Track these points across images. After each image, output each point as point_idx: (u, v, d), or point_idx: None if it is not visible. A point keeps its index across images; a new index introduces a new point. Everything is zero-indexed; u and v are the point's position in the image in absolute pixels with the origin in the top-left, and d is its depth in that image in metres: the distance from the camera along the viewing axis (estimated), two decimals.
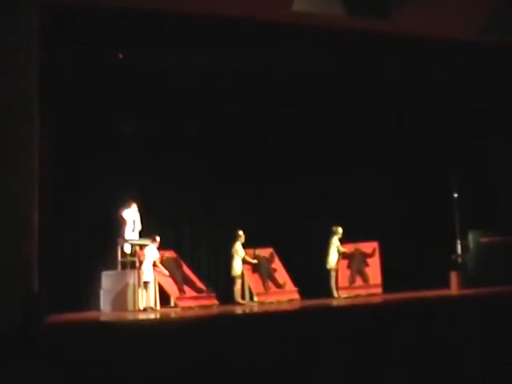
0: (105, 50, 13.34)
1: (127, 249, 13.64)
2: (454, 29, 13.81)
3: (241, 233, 13.93)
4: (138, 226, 13.81)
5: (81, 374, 5.51)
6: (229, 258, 14.01)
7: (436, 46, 14.43)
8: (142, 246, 13.57)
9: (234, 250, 13.88)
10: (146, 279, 12.95)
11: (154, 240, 13.30)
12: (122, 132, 14.53)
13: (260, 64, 14.63)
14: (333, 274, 14.40)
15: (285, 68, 14.85)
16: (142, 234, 13.83)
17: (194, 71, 14.34)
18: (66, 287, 12.82)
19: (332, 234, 14.51)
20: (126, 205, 13.67)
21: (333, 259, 14.42)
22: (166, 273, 13.17)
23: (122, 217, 13.67)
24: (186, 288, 13.20)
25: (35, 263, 9.88)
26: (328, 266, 14.39)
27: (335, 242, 14.46)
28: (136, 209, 13.72)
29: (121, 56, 13.49)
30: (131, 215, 13.71)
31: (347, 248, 14.58)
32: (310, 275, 14.00)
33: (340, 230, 14.47)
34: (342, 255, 14.50)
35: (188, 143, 15.12)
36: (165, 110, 14.70)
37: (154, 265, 13.16)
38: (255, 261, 14.03)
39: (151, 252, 13.14)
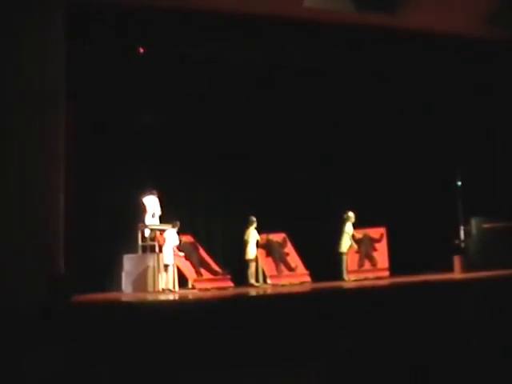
0: (127, 43, 13.35)
1: (147, 233, 13.70)
2: (459, 23, 13.71)
3: (254, 218, 13.94)
4: (158, 212, 13.85)
5: (102, 350, 5.55)
6: (243, 242, 14.03)
7: (443, 40, 14.32)
8: (161, 231, 13.64)
9: (247, 235, 13.90)
10: (166, 262, 12.99)
11: (174, 225, 13.35)
12: (144, 121, 14.58)
13: (272, 57, 14.59)
14: (344, 257, 14.39)
15: (296, 61, 14.80)
16: (161, 220, 13.87)
17: (211, 64, 14.33)
18: (89, 269, 12.90)
19: (345, 219, 14.48)
20: (147, 192, 13.71)
21: (345, 244, 14.40)
22: (181, 254, 13.19)
23: (142, 203, 13.71)
24: (202, 271, 13.24)
25: (61, 246, 9.92)
26: (340, 250, 14.37)
27: (348, 227, 14.44)
28: (156, 195, 13.76)
29: (141, 50, 13.53)
30: (151, 202, 13.75)
31: (356, 233, 14.58)
32: (321, 259, 14.00)
33: (352, 215, 14.45)
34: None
35: (205, 132, 15.14)
36: (183, 101, 14.72)
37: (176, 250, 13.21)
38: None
39: (171, 236, 13.18)
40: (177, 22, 12.67)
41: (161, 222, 13.83)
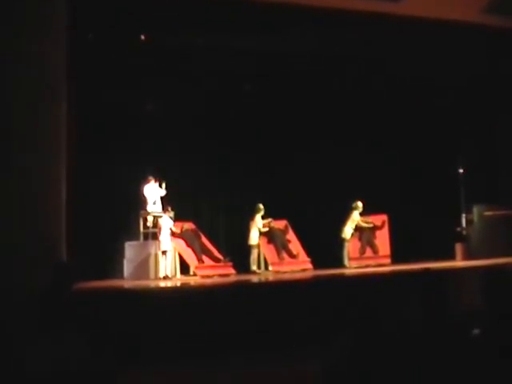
0: (128, 32, 13.31)
1: (149, 220, 13.72)
2: (458, 10, 13.65)
3: (261, 206, 13.96)
4: (159, 200, 13.85)
5: (105, 337, 5.57)
6: (244, 229, 14.05)
7: (443, 27, 14.25)
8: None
9: (253, 221, 13.92)
10: (164, 248, 13.02)
11: (166, 210, 13.43)
12: (145, 110, 14.59)
13: (274, 45, 14.53)
14: (346, 244, 14.40)
15: (298, 49, 14.73)
16: (163, 207, 13.89)
17: (213, 52, 14.28)
18: (91, 257, 12.94)
19: (352, 208, 14.49)
20: (148, 179, 13.70)
21: (348, 231, 14.41)
22: (177, 230, 13.25)
23: (143, 190, 13.72)
24: (204, 258, 13.26)
25: (63, 234, 9.93)
26: (343, 235, 14.38)
27: (355, 216, 14.45)
28: (156, 183, 13.75)
29: (143, 37, 13.50)
30: (152, 189, 13.75)
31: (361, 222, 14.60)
32: (322, 246, 14.05)
33: (360, 204, 14.45)
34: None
35: (208, 120, 15.15)
36: (185, 89, 14.68)
37: (173, 234, 13.24)
38: (266, 228, 14.04)
39: (166, 222, 13.23)
40: (179, 10, 12.60)
41: (163, 209, 13.86)
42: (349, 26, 13.82)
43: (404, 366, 3.84)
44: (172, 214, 13.54)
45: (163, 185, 13.72)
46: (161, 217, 13.57)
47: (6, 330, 6.33)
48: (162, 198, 13.78)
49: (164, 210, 13.52)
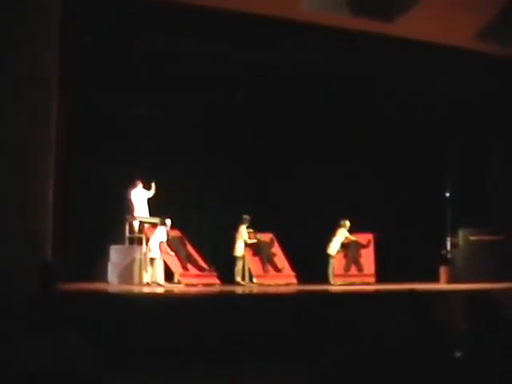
0: (122, 34, 13.31)
1: (136, 225, 13.69)
2: (453, 35, 13.76)
3: (247, 217, 13.97)
4: (146, 205, 13.82)
5: (88, 339, 5.55)
6: (230, 240, 14.05)
7: (435, 51, 14.36)
8: (150, 224, 13.66)
9: (238, 232, 13.93)
10: (153, 256, 12.96)
11: (164, 223, 13.26)
12: (135, 113, 14.59)
13: (270, 57, 14.60)
14: (331, 261, 14.43)
15: (293, 62, 14.80)
16: (150, 213, 13.87)
17: (209, 59, 14.33)
18: (76, 258, 12.88)
19: (339, 226, 14.52)
20: (136, 183, 13.68)
21: (334, 247, 14.44)
22: (172, 253, 13.17)
23: (130, 195, 13.69)
24: (189, 266, 13.22)
25: (49, 234, 9.90)
26: (329, 252, 14.40)
27: (342, 233, 14.49)
28: (142, 188, 13.72)
29: (139, 45, 13.54)
30: (139, 194, 13.73)
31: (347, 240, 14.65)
32: (308, 261, 14.05)
33: (348, 223, 14.50)
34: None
35: (197, 128, 15.15)
36: (177, 95, 14.71)
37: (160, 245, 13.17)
38: (254, 240, 14.04)
39: (160, 233, 13.12)
40: (174, 16, 12.64)
41: (151, 215, 13.84)
42: (342, 44, 13.93)
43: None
44: (169, 227, 13.38)
45: (152, 185, 13.70)
46: (148, 223, 13.56)
47: None
48: (149, 204, 13.77)
49: (162, 221, 13.38)
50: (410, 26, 13.28)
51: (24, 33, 9.69)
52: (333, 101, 15.82)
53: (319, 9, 12.63)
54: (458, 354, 3.78)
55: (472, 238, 15.23)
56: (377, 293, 12.14)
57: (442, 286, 14.26)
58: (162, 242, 13.05)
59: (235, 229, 14.03)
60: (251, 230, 14.07)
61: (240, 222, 13.99)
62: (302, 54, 14.46)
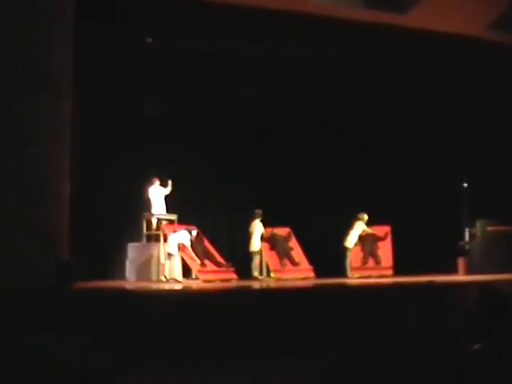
0: (134, 31, 13.32)
1: (154, 223, 13.71)
2: (466, 25, 13.65)
3: (259, 211, 13.94)
4: (163, 202, 13.84)
5: (105, 337, 5.55)
6: (247, 234, 14.04)
7: (448, 41, 14.24)
8: (167, 221, 13.68)
9: (252, 228, 13.91)
10: (171, 252, 12.91)
11: (190, 231, 13.11)
12: (150, 109, 14.60)
13: (279, 52, 14.54)
14: (348, 254, 14.38)
15: (302, 56, 14.75)
16: (167, 210, 13.88)
17: (217, 55, 14.30)
18: (94, 256, 12.95)
19: (357, 218, 14.46)
20: (151, 181, 13.70)
21: (352, 240, 14.38)
22: (198, 261, 13.09)
23: (147, 193, 13.72)
24: (206, 262, 13.21)
25: (66, 232, 9.92)
26: (346, 245, 14.35)
27: (360, 226, 14.43)
28: (159, 185, 13.73)
29: (150, 40, 13.55)
30: (156, 191, 13.75)
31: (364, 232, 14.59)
32: (325, 255, 14.02)
33: (365, 216, 14.44)
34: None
35: (210, 123, 15.18)
36: (190, 92, 14.71)
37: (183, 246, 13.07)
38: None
39: (183, 236, 12.99)
40: (185, 11, 12.62)
41: (168, 212, 13.85)
42: (355, 36, 13.82)
43: (402, 379, 3.82)
44: (195, 232, 13.22)
45: (169, 183, 13.70)
46: (166, 220, 13.59)
47: (7, 327, 6.32)
48: (165, 198, 13.78)
49: (189, 229, 13.21)
50: (423, 17, 13.18)
51: (37, 32, 9.70)
52: (346, 92, 15.75)
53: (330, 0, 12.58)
54: (476, 347, 3.73)
55: (490, 228, 15.14)
56: (395, 285, 12.06)
57: (460, 277, 14.18)
58: (183, 244, 12.96)
59: (250, 223, 13.99)
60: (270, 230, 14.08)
61: (253, 216, 13.94)
62: (313, 48, 14.39)
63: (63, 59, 9.96)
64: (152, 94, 14.54)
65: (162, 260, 12.96)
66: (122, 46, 13.57)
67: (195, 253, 13.13)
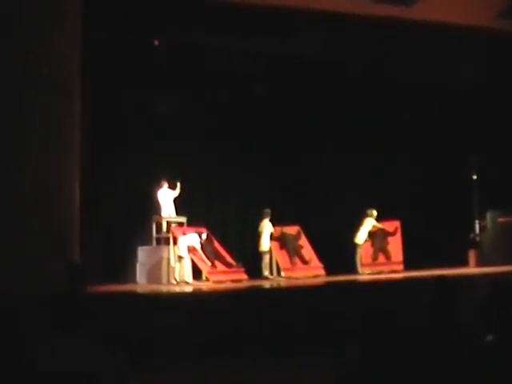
0: (142, 30, 13.34)
1: (164, 225, 13.72)
2: (472, 15, 13.59)
3: (268, 210, 13.93)
4: (172, 204, 13.85)
5: (117, 340, 5.55)
6: (257, 234, 14.03)
7: (456, 32, 14.19)
8: (177, 223, 13.69)
9: (261, 227, 13.90)
10: (181, 254, 12.91)
11: (200, 234, 13.13)
12: (160, 111, 14.60)
13: (286, 47, 14.53)
14: (359, 250, 14.35)
15: (310, 51, 14.74)
16: (176, 212, 13.89)
17: (226, 53, 14.32)
18: (104, 260, 12.97)
19: (366, 215, 14.44)
20: (160, 184, 13.71)
21: (362, 236, 14.36)
22: (209, 264, 13.10)
23: (157, 195, 13.72)
24: (216, 263, 13.20)
25: (77, 235, 9.94)
26: (356, 241, 14.32)
27: (369, 222, 14.40)
28: (168, 187, 13.74)
29: (156, 42, 13.57)
30: (165, 194, 13.75)
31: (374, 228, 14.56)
32: (335, 251, 13.99)
33: (375, 212, 14.40)
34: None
35: (219, 123, 15.13)
36: (198, 90, 14.71)
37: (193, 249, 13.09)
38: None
39: (193, 238, 13.00)
40: (192, 11, 12.62)
41: (177, 214, 13.86)
42: (361, 30, 13.80)
43: (416, 373, 3.81)
44: (204, 235, 13.24)
45: (177, 185, 13.71)
46: (176, 222, 13.61)
47: (19, 330, 6.34)
48: (175, 201, 13.79)
49: (199, 232, 13.24)
50: (429, 9, 13.14)
51: (45, 34, 9.72)
52: (355, 88, 15.71)
53: None
54: (488, 339, 3.71)
55: (500, 219, 15.09)
56: (406, 280, 12.04)
57: (471, 269, 14.13)
58: (193, 247, 12.97)
59: (259, 223, 13.99)
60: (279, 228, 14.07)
61: (262, 216, 13.94)
62: (320, 43, 14.38)
63: (72, 61, 9.97)
64: (161, 96, 14.49)
65: (172, 263, 12.96)
66: (133, 47, 13.59)
67: (205, 254, 13.13)
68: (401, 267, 14.28)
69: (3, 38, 9.28)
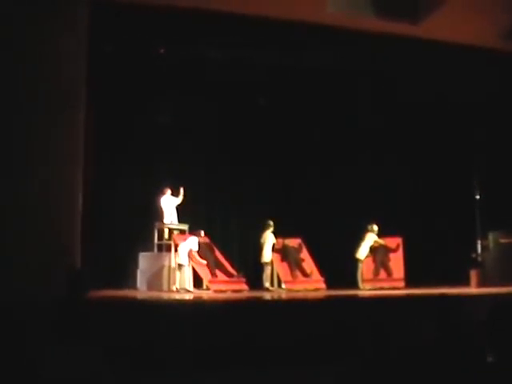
0: (147, 43, 13.44)
1: (166, 233, 13.74)
2: (476, 35, 13.64)
3: (271, 222, 13.94)
4: (175, 212, 13.88)
5: (117, 346, 5.59)
6: (258, 245, 14.04)
7: (461, 51, 14.23)
8: (179, 231, 13.71)
9: (264, 238, 13.91)
10: (181, 262, 12.96)
11: (198, 234, 13.32)
12: (161, 120, 14.67)
13: (293, 61, 14.59)
14: (360, 265, 14.34)
15: (316, 65, 14.79)
16: (178, 220, 13.92)
17: (230, 65, 14.39)
18: (105, 266, 13.01)
19: (368, 230, 14.44)
20: (163, 191, 13.74)
21: (363, 252, 14.35)
22: (204, 262, 13.14)
23: (159, 203, 13.76)
24: (217, 272, 13.23)
25: (78, 242, 9.98)
26: (357, 256, 14.31)
27: (371, 237, 14.40)
28: (171, 195, 13.77)
29: (162, 51, 13.65)
30: (167, 201, 13.79)
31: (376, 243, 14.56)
32: (336, 266, 14.00)
33: (376, 228, 14.41)
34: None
35: (221, 133, 15.26)
36: (202, 101, 14.81)
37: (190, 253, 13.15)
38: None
39: (192, 242, 13.10)
40: (197, 23, 12.68)
41: (179, 222, 13.88)
42: (367, 45, 13.85)
43: None
44: (202, 232, 13.48)
45: (181, 192, 13.73)
46: (177, 230, 13.63)
47: (20, 336, 6.36)
48: (177, 208, 13.82)
49: (197, 232, 13.41)
50: (436, 28, 13.18)
51: (52, 46, 9.79)
52: (358, 102, 15.78)
53: (343, 9, 12.60)
54: (489, 359, 3.73)
55: (502, 240, 15.08)
56: (407, 298, 12.02)
57: (472, 289, 14.11)
58: (191, 250, 13.02)
59: (262, 234, 14.01)
60: (281, 240, 14.09)
61: (264, 227, 13.95)
62: (325, 57, 14.43)
63: (77, 73, 10.04)
64: (163, 105, 14.59)
65: (175, 272, 13.00)
66: (135, 58, 13.68)
67: (207, 264, 13.14)
68: (402, 284, 14.26)
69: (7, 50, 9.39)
